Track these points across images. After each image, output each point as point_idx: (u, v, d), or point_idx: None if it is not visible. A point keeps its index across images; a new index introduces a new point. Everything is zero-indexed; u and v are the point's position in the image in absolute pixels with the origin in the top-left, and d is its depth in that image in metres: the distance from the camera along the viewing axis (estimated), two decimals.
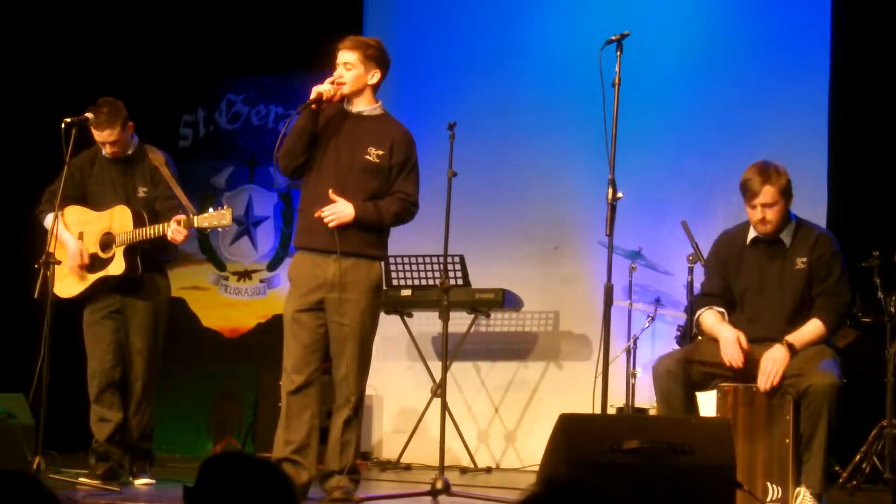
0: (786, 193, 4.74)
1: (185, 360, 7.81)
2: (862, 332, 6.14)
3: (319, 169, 4.93)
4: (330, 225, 4.82)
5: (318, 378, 4.91)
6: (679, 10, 7.43)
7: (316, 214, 4.84)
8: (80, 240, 5.58)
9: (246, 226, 8.40)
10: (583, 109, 6.27)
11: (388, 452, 7.57)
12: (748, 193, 4.73)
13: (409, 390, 7.65)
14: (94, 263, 5.57)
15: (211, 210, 5.29)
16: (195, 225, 5.29)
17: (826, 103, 7.01)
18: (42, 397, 5.16)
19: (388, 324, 7.11)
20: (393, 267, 7.25)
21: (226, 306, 8.42)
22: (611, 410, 5.18)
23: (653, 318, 6.81)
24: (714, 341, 4.73)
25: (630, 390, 6.65)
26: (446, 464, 5.49)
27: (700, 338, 5.08)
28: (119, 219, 5.52)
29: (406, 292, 7.25)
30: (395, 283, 7.28)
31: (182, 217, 5.31)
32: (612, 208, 4.58)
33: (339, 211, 4.82)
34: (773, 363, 4.55)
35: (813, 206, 6.35)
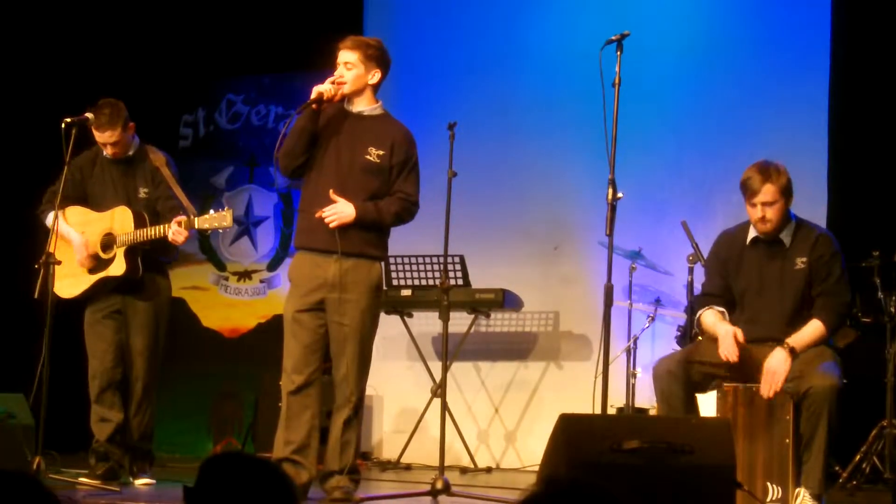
0: (786, 192, 4.74)
1: (185, 360, 7.81)
2: (862, 332, 6.15)
3: (320, 169, 4.93)
4: (331, 225, 4.81)
5: (318, 378, 4.91)
6: (679, 10, 7.43)
7: (317, 215, 4.84)
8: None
9: (246, 226, 8.40)
10: (583, 109, 6.27)
11: (389, 452, 7.57)
12: (748, 192, 4.73)
13: (409, 390, 7.65)
14: (96, 264, 5.57)
15: (212, 211, 5.29)
16: (196, 226, 5.30)
17: (826, 103, 7.01)
18: (42, 397, 5.16)
19: (388, 324, 7.11)
20: (393, 267, 7.25)
21: (226, 306, 8.42)
22: (611, 410, 5.18)
23: (653, 319, 6.81)
24: (714, 341, 4.73)
25: (630, 390, 6.65)
26: (446, 464, 5.49)
27: (700, 338, 5.08)
28: (120, 219, 5.52)
29: (406, 292, 7.25)
30: (395, 283, 7.28)
31: (183, 218, 5.31)
32: (612, 208, 4.58)
33: (339, 211, 4.82)
34: (774, 373, 4.56)
35: (813, 206, 6.35)
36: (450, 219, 5.36)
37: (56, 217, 5.42)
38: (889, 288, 6.11)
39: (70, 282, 5.57)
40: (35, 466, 5.01)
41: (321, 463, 4.98)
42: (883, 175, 6.81)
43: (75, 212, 5.63)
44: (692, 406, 4.70)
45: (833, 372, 4.53)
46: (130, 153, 5.64)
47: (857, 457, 5.97)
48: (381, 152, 4.91)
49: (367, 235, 4.90)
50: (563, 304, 7.56)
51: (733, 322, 4.81)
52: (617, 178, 4.61)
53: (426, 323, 7.58)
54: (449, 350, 5.50)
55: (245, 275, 8.40)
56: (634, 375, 6.67)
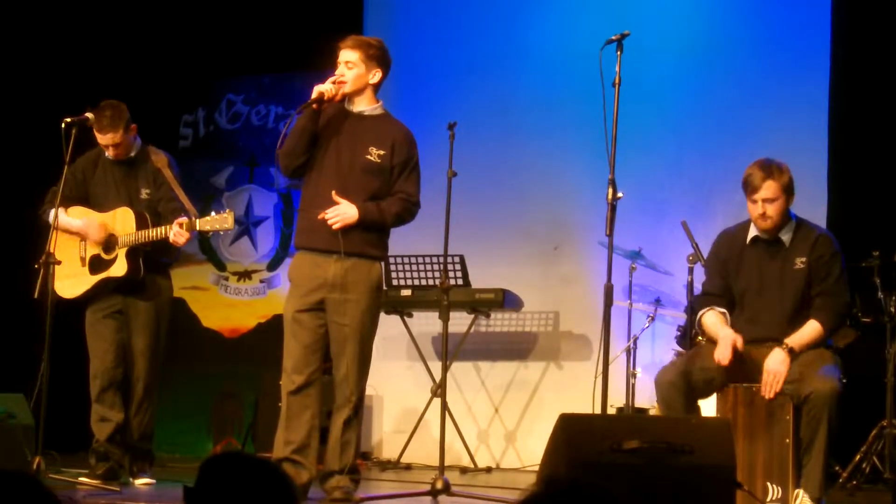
0: (787, 190, 4.74)
1: (186, 360, 7.80)
2: (862, 332, 6.15)
3: (320, 169, 4.92)
4: (334, 227, 4.81)
5: (318, 378, 4.91)
6: (679, 10, 7.43)
7: (319, 216, 4.83)
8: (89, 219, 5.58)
9: (246, 226, 8.40)
10: (583, 109, 6.27)
11: (389, 452, 7.57)
12: (749, 188, 4.73)
13: (409, 390, 7.65)
14: (97, 264, 5.57)
15: (213, 213, 5.29)
16: (197, 228, 5.30)
17: (826, 103, 7.01)
18: (42, 397, 5.16)
19: (388, 324, 7.11)
20: (393, 267, 7.25)
21: (226, 306, 8.43)
22: (611, 410, 5.18)
23: (653, 319, 6.81)
24: (715, 344, 4.73)
25: (630, 390, 6.65)
26: (446, 464, 5.49)
27: (700, 338, 5.08)
28: (122, 220, 5.52)
29: (406, 292, 7.25)
30: (395, 283, 7.28)
31: (184, 220, 5.31)
32: (612, 208, 4.57)
33: (342, 213, 4.82)
34: (774, 374, 4.56)
35: (813, 206, 6.34)
36: (450, 219, 5.36)
37: (56, 216, 5.42)
38: (889, 288, 6.11)
39: (71, 282, 5.58)
40: (35, 466, 5.00)
41: (321, 463, 4.98)
42: (883, 175, 6.81)
43: (77, 212, 5.63)
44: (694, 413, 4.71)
45: (833, 375, 4.53)
46: (132, 154, 5.64)
47: (857, 457, 5.97)
48: (381, 152, 4.91)
49: (368, 236, 4.89)
50: (563, 304, 7.56)
51: (733, 321, 4.82)
52: (617, 178, 4.61)
53: (426, 323, 7.58)
54: (449, 350, 5.50)
55: (245, 275, 8.40)
56: (634, 375, 6.67)
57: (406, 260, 7.28)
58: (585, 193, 7.12)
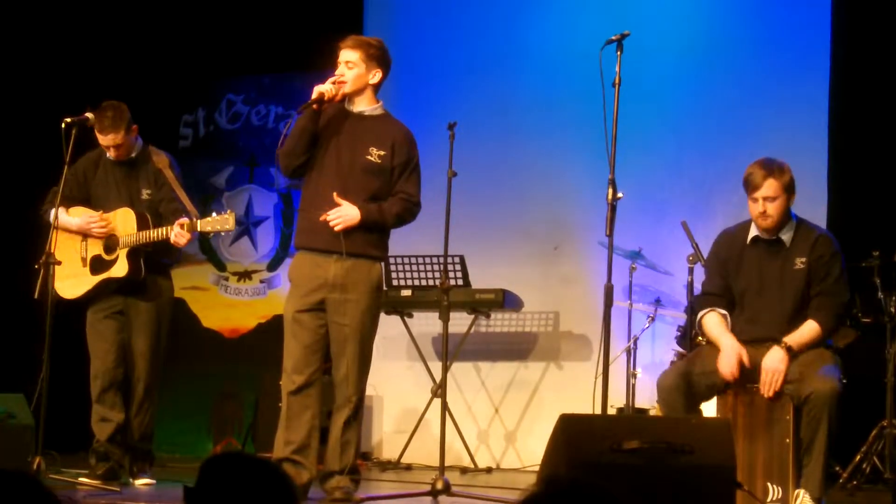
0: (788, 189, 4.73)
1: (186, 360, 7.80)
2: (862, 332, 6.15)
3: (320, 169, 4.92)
4: (336, 228, 4.81)
5: (318, 378, 4.91)
6: (679, 10, 7.43)
7: (321, 218, 4.83)
8: (89, 218, 5.58)
9: (246, 226, 8.40)
10: (583, 109, 6.27)
11: (389, 452, 7.57)
12: (750, 186, 4.72)
13: (410, 390, 7.65)
14: (98, 265, 5.58)
15: (214, 214, 5.29)
16: (198, 229, 5.30)
17: (826, 103, 7.01)
18: (42, 397, 5.16)
19: (389, 324, 7.11)
20: (393, 267, 7.25)
21: (226, 306, 8.42)
22: (611, 410, 5.17)
23: (653, 319, 6.81)
24: (716, 348, 4.72)
25: (630, 390, 6.65)
26: (446, 464, 5.49)
27: (700, 339, 5.08)
28: (123, 221, 5.52)
29: (406, 292, 7.25)
30: (395, 283, 7.28)
31: (185, 221, 5.31)
32: (612, 208, 4.57)
33: (344, 214, 4.82)
34: (773, 372, 4.55)
35: (813, 206, 6.34)
36: (450, 219, 5.36)
37: (56, 216, 5.42)
38: (889, 288, 6.11)
39: (72, 282, 5.58)
40: (35, 466, 5.01)
41: (321, 463, 4.98)
42: (883, 175, 6.81)
43: (78, 212, 5.63)
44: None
45: (833, 375, 4.52)
46: (133, 155, 5.64)
47: (857, 457, 5.97)
48: (382, 152, 4.91)
49: (369, 236, 4.90)
50: (563, 304, 7.56)
51: (733, 321, 4.81)
52: (617, 178, 4.61)
53: (426, 323, 7.58)
54: (449, 350, 5.50)
55: (245, 275, 8.40)
56: (634, 375, 6.67)
57: (406, 260, 7.28)
58: (585, 193, 7.12)
